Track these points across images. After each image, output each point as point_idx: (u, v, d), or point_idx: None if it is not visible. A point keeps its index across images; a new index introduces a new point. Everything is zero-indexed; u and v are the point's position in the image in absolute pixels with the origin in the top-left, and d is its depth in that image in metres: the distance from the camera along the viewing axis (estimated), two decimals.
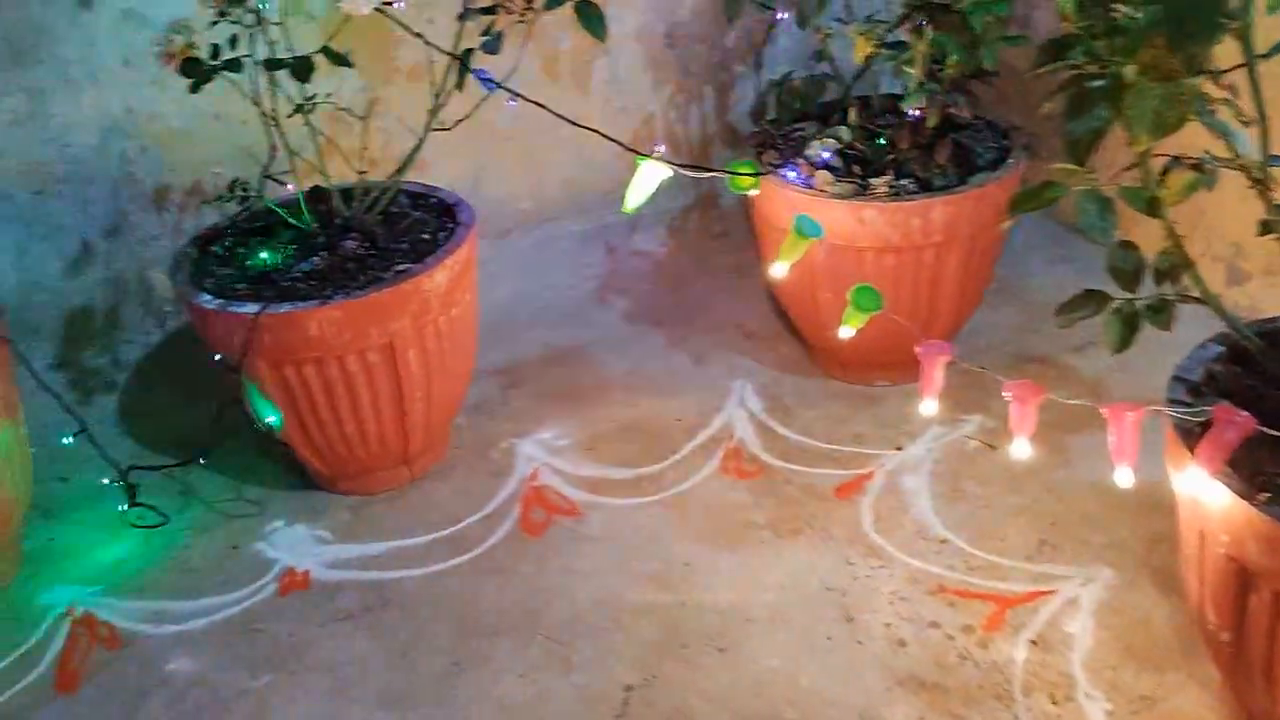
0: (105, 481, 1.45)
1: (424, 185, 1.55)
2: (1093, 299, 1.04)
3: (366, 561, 1.39)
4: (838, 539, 1.35)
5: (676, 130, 2.02)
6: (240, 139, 1.71)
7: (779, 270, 1.22)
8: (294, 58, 1.27)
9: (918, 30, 1.28)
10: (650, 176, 1.22)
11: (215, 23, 1.27)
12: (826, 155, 1.45)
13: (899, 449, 1.49)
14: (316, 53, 1.29)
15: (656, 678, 1.18)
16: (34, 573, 1.42)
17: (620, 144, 1.23)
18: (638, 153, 1.22)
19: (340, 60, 1.31)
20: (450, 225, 1.46)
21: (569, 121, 1.25)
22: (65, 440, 1.39)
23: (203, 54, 1.29)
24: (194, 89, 1.27)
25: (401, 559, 1.39)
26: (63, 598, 1.37)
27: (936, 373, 1.08)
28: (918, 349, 1.07)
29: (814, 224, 1.17)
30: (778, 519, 1.39)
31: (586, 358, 1.77)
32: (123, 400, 1.74)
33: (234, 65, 1.25)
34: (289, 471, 1.55)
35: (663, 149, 1.20)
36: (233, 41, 1.26)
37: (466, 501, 1.48)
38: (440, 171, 1.65)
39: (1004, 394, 1.04)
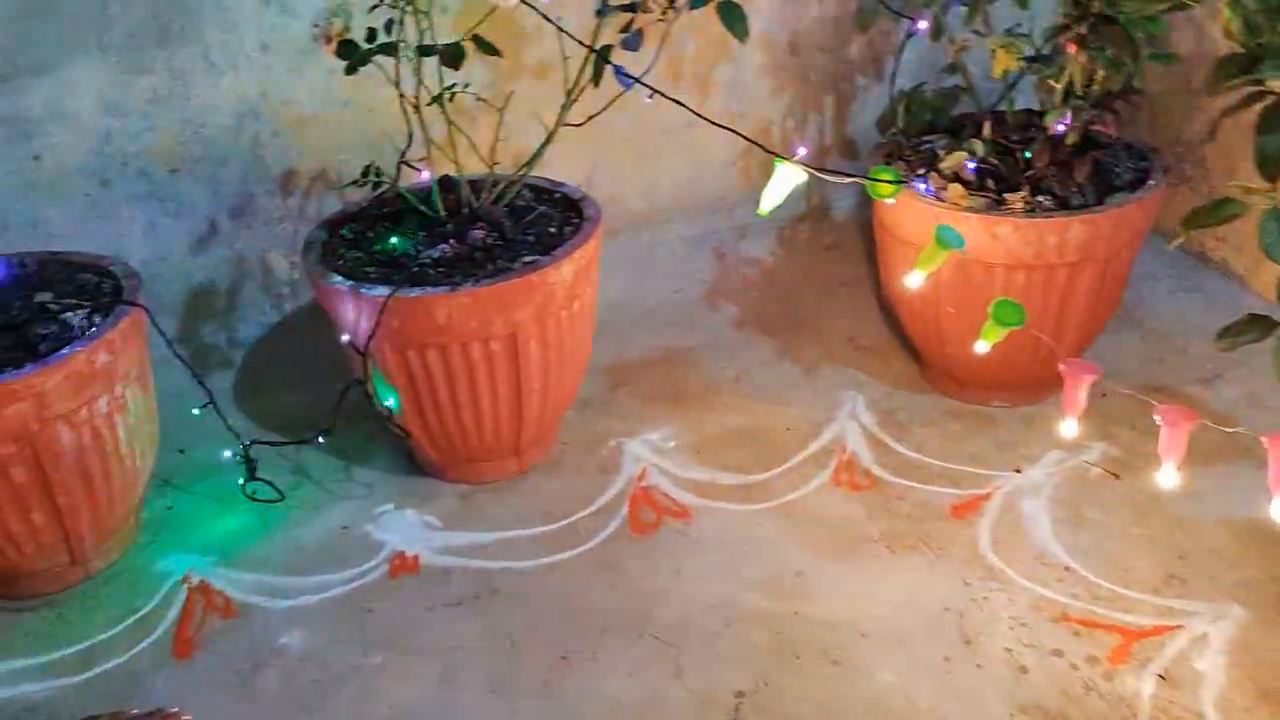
0: (227, 454, 1.48)
1: (548, 180, 1.55)
2: (1258, 324, 1.00)
3: (475, 550, 1.40)
4: (955, 559, 1.32)
5: (793, 139, 2.00)
6: (367, 127, 1.75)
7: (914, 280, 1.20)
8: (445, 45, 1.28)
9: (1080, 41, 1.24)
10: (787, 179, 1.21)
11: (374, 7, 1.28)
12: (972, 166, 1.43)
13: (1018, 471, 1.45)
14: (466, 40, 1.30)
15: (768, 685, 1.16)
16: (152, 539, 1.45)
17: (761, 146, 1.22)
18: (777, 155, 1.21)
19: (490, 49, 1.32)
20: (575, 220, 1.46)
21: (709, 121, 1.24)
22: (194, 411, 1.42)
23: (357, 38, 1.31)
24: (349, 71, 1.29)
25: (510, 549, 1.39)
26: (180, 565, 1.40)
27: (1080, 392, 1.05)
28: (1061, 367, 1.05)
29: (956, 235, 1.15)
30: (891, 534, 1.36)
31: (694, 361, 1.76)
32: (237, 378, 1.78)
33: (390, 49, 1.27)
34: (398, 456, 1.57)
35: (803, 152, 1.18)
36: (389, 26, 1.28)
37: (574, 497, 1.47)
38: (555, 168, 1.65)
39: (1155, 417, 1.00)
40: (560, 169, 1.71)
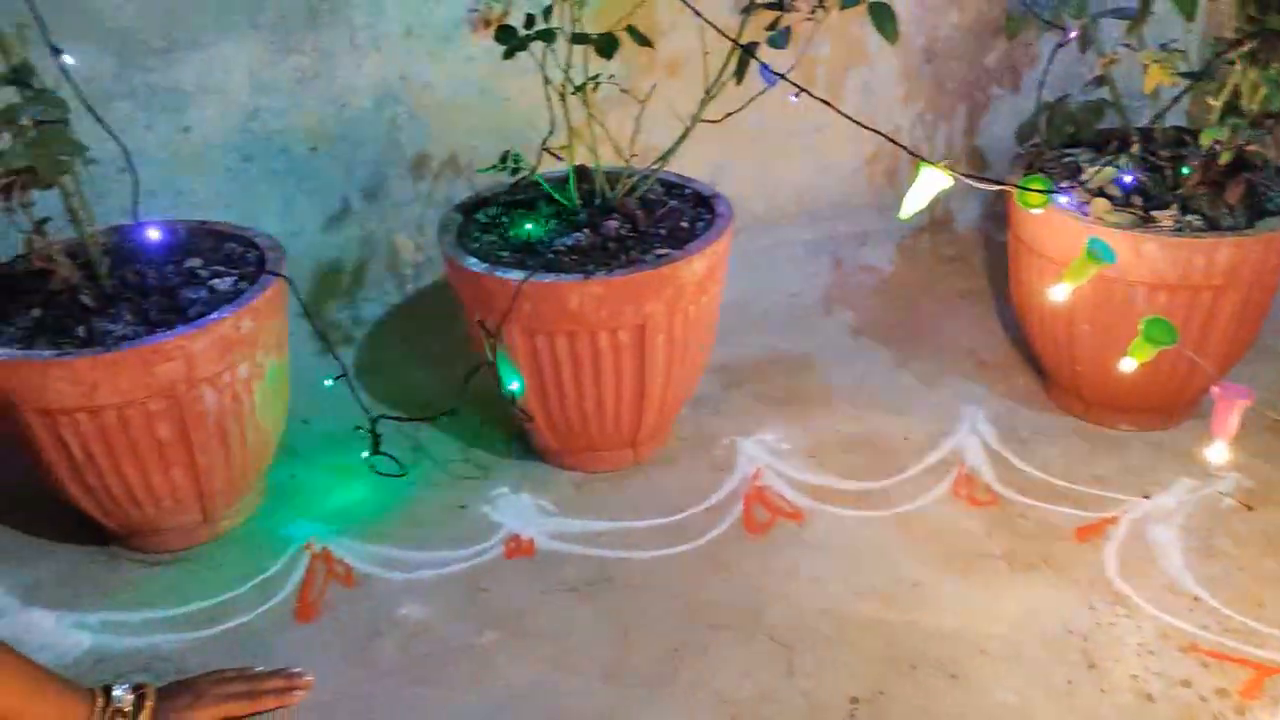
0: (352, 427, 1.51)
1: (679, 175, 1.56)
2: None
3: (589, 538, 1.41)
4: (1079, 581, 1.29)
5: (922, 148, 1.98)
6: (501, 115, 1.78)
7: (1060, 293, 1.18)
8: (599, 34, 1.29)
9: (1250, 57, 1.21)
10: (931, 184, 1.19)
11: None
12: (1130, 180, 1.39)
13: (1146, 497, 1.41)
14: (620, 30, 1.31)
15: (884, 694, 1.15)
16: (277, 505, 1.49)
17: (908, 149, 1.20)
18: (922, 159, 1.20)
19: (643, 40, 1.33)
20: (706, 216, 1.47)
21: (856, 123, 1.23)
22: (326, 383, 1.45)
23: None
24: (508, 55, 1.31)
25: (623, 539, 1.40)
26: (303, 532, 1.44)
27: (1233, 417, 1.01)
28: (1215, 389, 1.01)
29: (1107, 248, 1.12)
30: (1012, 552, 1.34)
31: (809, 366, 1.75)
32: (357, 355, 1.82)
33: (547, 35, 1.28)
34: (515, 441, 1.59)
35: (950, 160, 1.17)
36: (547, 12, 1.30)
37: (688, 492, 1.48)
38: (680, 165, 1.66)
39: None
40: (686, 166, 1.72)
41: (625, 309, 1.33)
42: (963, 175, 1.18)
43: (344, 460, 1.56)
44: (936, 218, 2.04)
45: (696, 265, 1.35)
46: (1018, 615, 1.25)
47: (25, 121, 1.11)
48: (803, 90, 1.23)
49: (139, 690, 1.12)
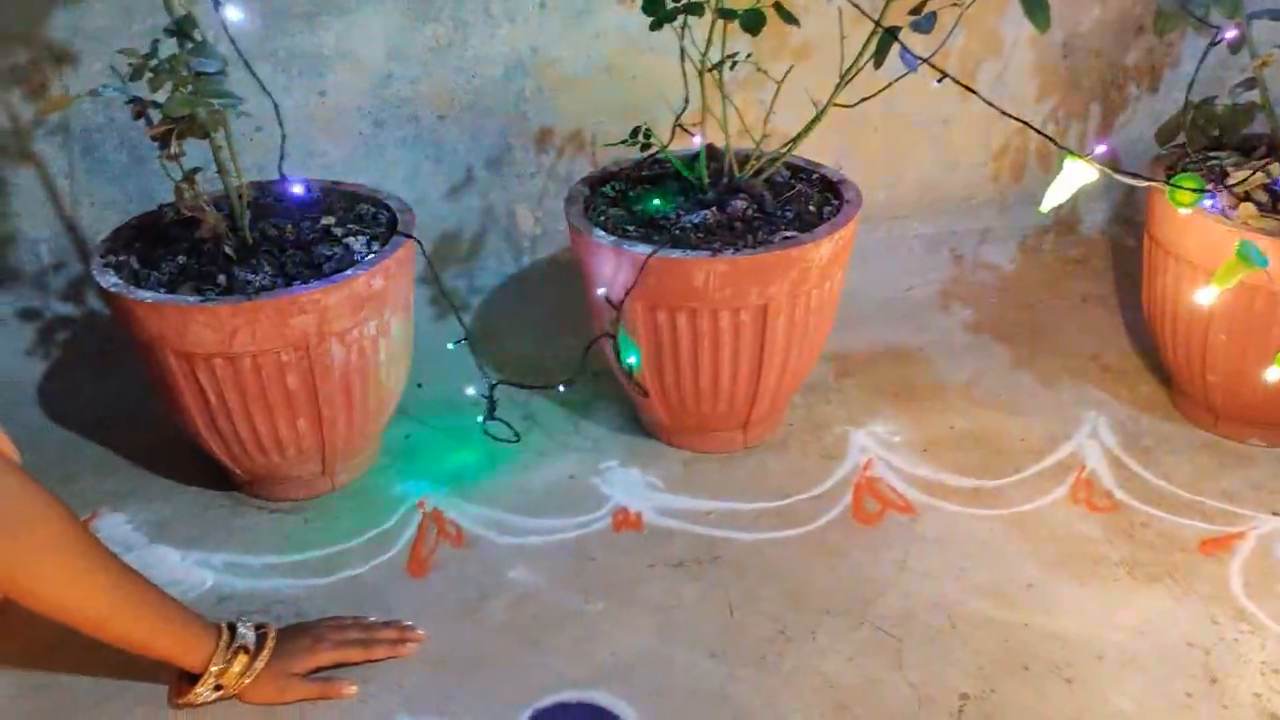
0: (469, 391, 1.54)
1: (807, 160, 1.55)
2: None
3: (696, 515, 1.41)
4: (1201, 595, 1.25)
5: (1051, 147, 1.93)
6: (628, 94, 1.78)
7: (1207, 296, 1.14)
8: (746, 10, 1.29)
9: None
10: (1075, 177, 1.17)
11: None
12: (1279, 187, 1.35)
13: (1276, 514, 1.36)
14: (767, 6, 1.31)
15: (995, 692, 1.13)
16: (391, 464, 1.52)
17: (1053, 140, 1.18)
18: (1069, 150, 1.17)
19: (790, 18, 1.32)
20: (833, 201, 1.45)
21: (1001, 111, 1.21)
22: (448, 345, 1.48)
23: None
24: (655, 26, 1.31)
25: (731, 520, 1.40)
26: (415, 491, 1.47)
27: None
28: None
29: (1259, 252, 1.08)
30: (1133, 560, 1.30)
31: (923, 360, 1.73)
32: (472, 323, 1.85)
33: (695, 8, 1.29)
34: (625, 417, 1.60)
35: (1102, 149, 1.14)
36: None
37: (797, 478, 1.47)
38: (803, 151, 1.65)
39: None
40: (810, 154, 1.71)
41: (749, 289, 1.32)
42: (1109, 170, 1.15)
43: (457, 425, 1.59)
44: (1062, 219, 1.99)
45: (823, 249, 1.34)
46: (1137, 624, 1.21)
47: (186, 73, 1.15)
48: (946, 75, 1.21)
49: (261, 629, 1.16)
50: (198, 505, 1.45)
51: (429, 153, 1.79)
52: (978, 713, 1.11)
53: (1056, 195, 1.18)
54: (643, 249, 1.32)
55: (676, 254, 1.31)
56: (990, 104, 1.21)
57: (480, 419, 1.52)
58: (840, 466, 1.49)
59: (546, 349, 1.74)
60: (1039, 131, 1.21)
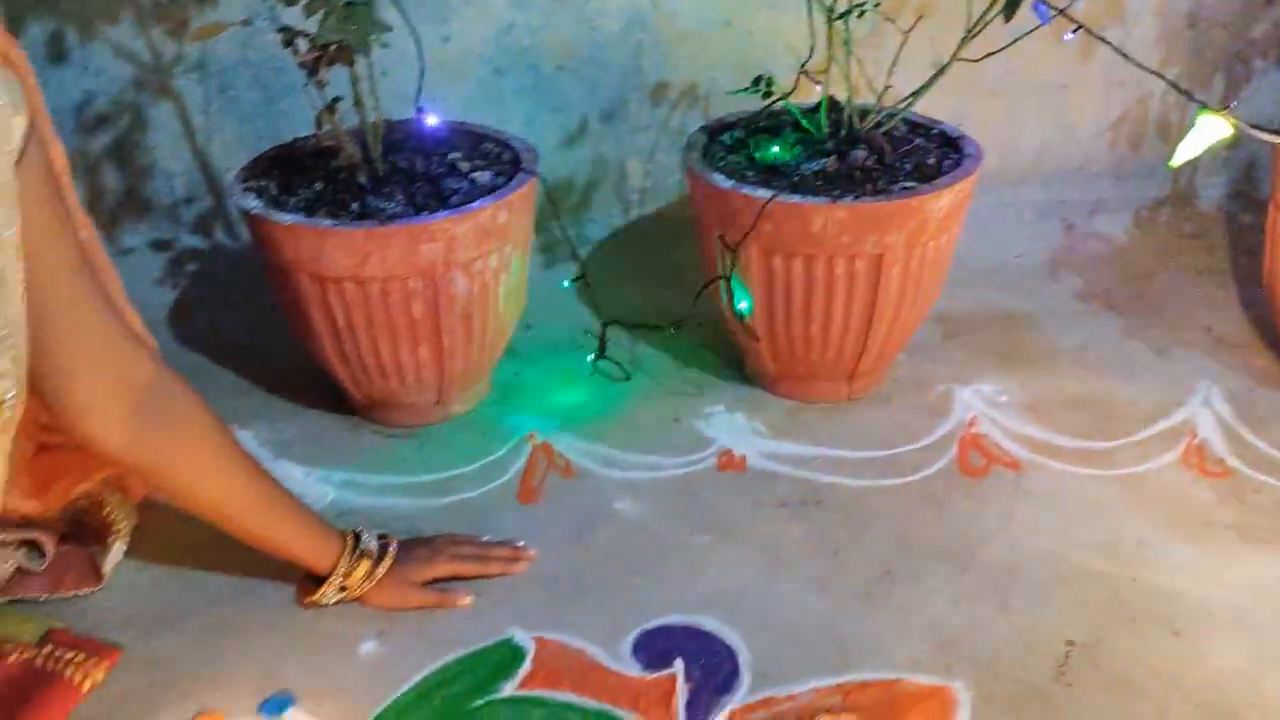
0: (581, 331, 1.57)
1: (925, 116, 1.55)
2: None
3: (801, 461, 1.43)
4: None
5: (1171, 116, 1.91)
6: (745, 49, 1.80)
7: None
8: None
9: None
10: (1209, 132, 1.16)
11: None
12: None
13: None
14: None
15: (1102, 641, 1.13)
16: (501, 399, 1.57)
17: (1186, 93, 1.17)
18: (1202, 104, 1.16)
19: None
20: (953, 156, 1.45)
21: (1137, 64, 1.21)
22: (563, 283, 1.52)
23: None
24: None
25: (835, 467, 1.41)
26: (525, 425, 1.51)
27: None
28: None
29: None
30: (1244, 524, 1.29)
31: (1031, 324, 1.72)
32: (580, 271, 1.88)
33: None
34: (729, 365, 1.62)
35: (1235, 105, 1.13)
36: None
37: (901, 430, 1.48)
38: (920, 111, 1.65)
39: None
40: (923, 111, 1.71)
41: (867, 237, 1.33)
42: (1247, 126, 1.14)
43: (564, 365, 1.63)
44: (1179, 192, 1.96)
45: (943, 201, 1.35)
46: (1248, 585, 1.20)
47: (336, 1, 1.20)
48: (1081, 26, 1.21)
49: (383, 539, 1.21)
50: (318, 427, 1.51)
51: (546, 102, 1.83)
52: (1084, 659, 1.12)
53: (1188, 150, 1.17)
54: (763, 192, 1.33)
55: (796, 199, 1.33)
56: (1124, 55, 1.20)
57: (590, 357, 1.55)
58: (945, 422, 1.49)
59: (650, 300, 1.76)
60: (1172, 84, 1.20)
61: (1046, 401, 1.53)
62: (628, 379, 1.56)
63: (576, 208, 1.91)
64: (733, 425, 1.50)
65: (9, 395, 0.89)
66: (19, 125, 0.87)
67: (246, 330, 1.71)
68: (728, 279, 1.40)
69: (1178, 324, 1.70)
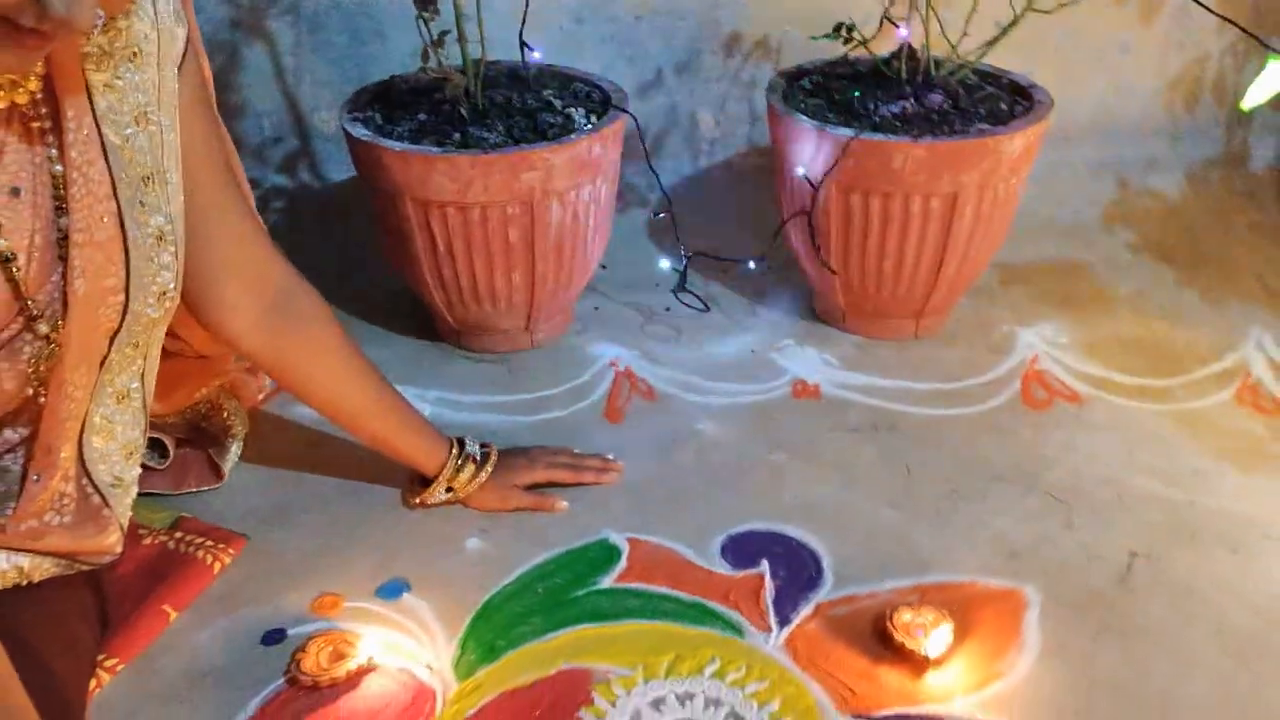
0: (663, 264, 1.65)
1: (994, 66, 1.61)
2: None
3: (871, 390, 1.50)
4: None
5: (1227, 77, 1.96)
6: (816, 2, 1.85)
7: None
8: None
9: None
10: (1278, 78, 1.22)
11: None
12: None
13: None
14: None
15: (1163, 555, 1.20)
16: (583, 330, 1.65)
17: (1257, 39, 1.23)
18: (1273, 50, 1.22)
19: None
20: (1023, 103, 1.52)
21: (1212, 12, 1.26)
22: (652, 216, 1.59)
23: None
24: None
25: (904, 396, 1.49)
26: (607, 353, 1.59)
27: None
28: None
29: None
30: None
31: (1089, 273, 1.79)
32: (649, 218, 1.96)
33: None
34: (799, 303, 1.69)
35: None
36: None
37: (966, 366, 1.55)
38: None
39: None
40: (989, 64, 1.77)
41: (943, 176, 1.40)
42: None
43: (641, 301, 1.71)
44: (1232, 153, 2.02)
45: (1016, 142, 1.41)
46: None
47: None
48: None
49: (485, 447, 1.29)
50: (410, 351, 1.60)
51: (623, 52, 1.90)
52: (1147, 570, 1.19)
53: (1258, 94, 1.23)
54: (845, 131, 1.40)
55: (877, 137, 1.40)
56: (1199, 2, 1.25)
57: (672, 290, 1.63)
58: (1008, 359, 1.57)
59: (723, 242, 1.84)
60: (1244, 30, 1.25)
61: (1104, 343, 1.60)
62: (706, 309, 1.63)
63: (649, 156, 1.98)
64: (805, 358, 1.58)
65: (169, 287, 0.97)
66: (181, 35, 0.94)
67: (336, 264, 1.79)
68: (809, 214, 1.47)
69: (1230, 275, 1.77)
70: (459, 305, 1.51)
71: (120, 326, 0.92)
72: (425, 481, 1.27)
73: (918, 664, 1.07)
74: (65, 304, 0.88)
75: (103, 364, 0.93)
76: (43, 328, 0.87)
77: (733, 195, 1.96)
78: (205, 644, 1.10)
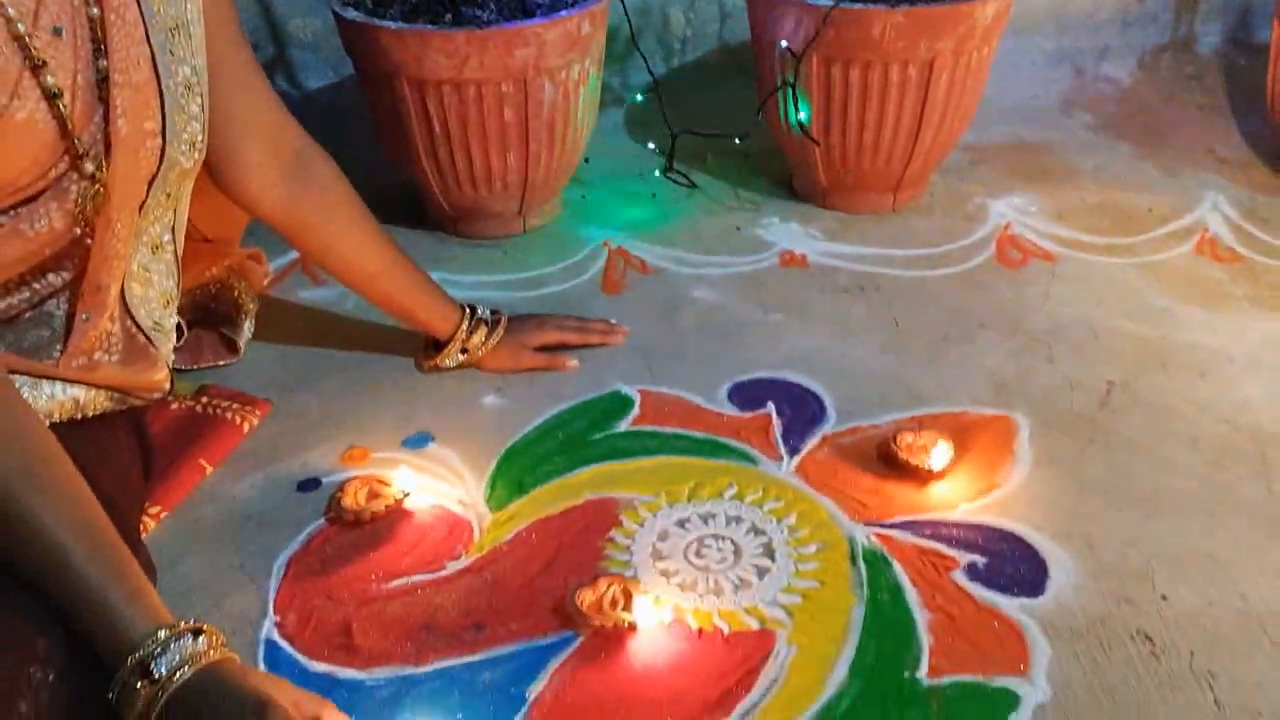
0: (650, 146, 1.70)
1: None
2: None
3: (856, 258, 1.57)
4: None
5: None
6: None
7: None
8: None
9: None
10: None
11: None
12: None
13: None
14: None
15: (1138, 380, 1.29)
16: (573, 215, 1.70)
17: None
18: None
19: None
20: None
21: None
22: (636, 98, 1.64)
23: None
24: None
25: (888, 262, 1.56)
26: (598, 235, 1.64)
27: None
28: None
29: None
30: (1256, 295, 1.45)
31: (1052, 151, 1.87)
32: (626, 113, 2.00)
33: None
34: (779, 185, 1.76)
35: None
36: None
37: (944, 234, 1.62)
38: None
39: None
40: None
41: (920, 42, 1.46)
42: None
43: (626, 189, 1.76)
44: (1179, 38, 2.11)
45: (989, 9, 1.48)
46: (1262, 340, 1.36)
47: None
48: None
49: (495, 313, 1.34)
50: (406, 240, 1.58)
51: None
52: (1124, 394, 1.27)
53: None
54: (825, 1, 1.46)
55: (858, 5, 1.45)
56: None
57: (658, 171, 1.68)
58: (983, 226, 1.64)
59: (700, 138, 1.89)
60: None
61: (1071, 209, 1.68)
62: (694, 186, 1.69)
63: (622, 57, 2.02)
64: (789, 232, 1.64)
65: (199, 138, 1.00)
66: None
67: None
68: (791, 86, 1.53)
69: (1184, 149, 1.86)
70: (454, 189, 1.55)
71: (158, 172, 0.96)
72: (438, 346, 1.31)
73: (922, 478, 1.14)
74: (108, 145, 0.91)
75: (141, 209, 0.97)
76: (88, 167, 0.90)
77: (705, 93, 2.00)
78: (244, 493, 1.14)
